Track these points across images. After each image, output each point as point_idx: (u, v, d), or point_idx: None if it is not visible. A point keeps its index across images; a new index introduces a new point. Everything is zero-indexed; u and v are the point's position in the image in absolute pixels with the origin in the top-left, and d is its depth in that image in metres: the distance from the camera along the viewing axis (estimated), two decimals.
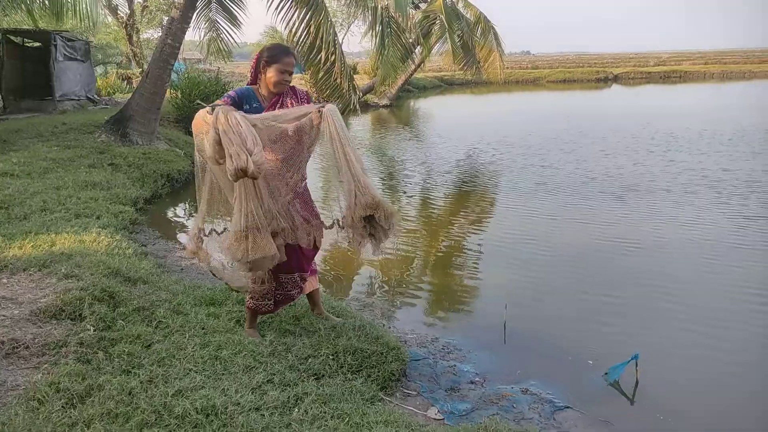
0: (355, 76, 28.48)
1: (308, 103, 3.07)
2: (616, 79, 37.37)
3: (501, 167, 9.70)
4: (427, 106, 25.09)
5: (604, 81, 36.56)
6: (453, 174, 9.42)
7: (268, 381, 2.66)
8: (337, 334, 3.17)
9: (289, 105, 2.99)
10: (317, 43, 7.69)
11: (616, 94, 28.83)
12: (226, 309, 3.48)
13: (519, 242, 5.74)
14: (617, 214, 6.54)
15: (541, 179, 8.45)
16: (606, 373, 3.23)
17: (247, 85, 3.07)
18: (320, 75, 8.09)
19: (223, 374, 2.68)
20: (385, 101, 21.98)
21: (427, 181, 8.94)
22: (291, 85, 3.06)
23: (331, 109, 2.80)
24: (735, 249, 5.32)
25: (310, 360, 2.90)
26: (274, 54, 2.92)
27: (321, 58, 7.85)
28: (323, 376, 2.80)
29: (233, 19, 10.27)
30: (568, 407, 2.91)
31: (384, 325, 3.74)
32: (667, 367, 3.40)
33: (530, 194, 7.61)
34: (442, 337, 3.66)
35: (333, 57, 7.86)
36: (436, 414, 2.74)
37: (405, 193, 8.19)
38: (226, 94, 2.98)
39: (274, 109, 2.94)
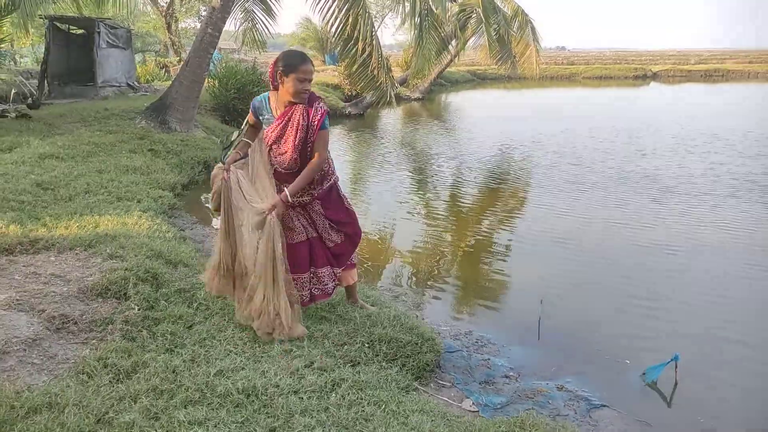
0: None
1: (321, 122, 2.85)
2: (654, 76, 36.39)
3: (533, 164, 9.58)
4: (459, 100, 24.90)
5: (642, 78, 35.64)
6: (484, 170, 9.34)
7: (306, 366, 2.70)
8: (372, 322, 3.20)
9: (298, 120, 2.83)
10: (354, 34, 7.70)
11: (655, 92, 28.07)
12: None
13: (550, 240, 5.66)
14: (654, 215, 6.38)
15: (575, 178, 8.31)
16: (644, 374, 3.18)
17: (272, 89, 2.96)
18: (355, 67, 8.11)
19: (262, 357, 2.73)
20: (417, 94, 21.90)
21: (457, 176, 8.89)
22: (316, 94, 2.93)
23: (272, 221, 2.79)
24: None
25: (346, 347, 2.93)
26: (290, 63, 2.79)
27: (357, 50, 7.85)
28: (359, 363, 2.83)
29: (269, 10, 10.36)
30: (604, 406, 2.88)
31: (417, 316, 3.75)
32: (705, 370, 3.32)
33: (563, 192, 7.50)
34: (476, 331, 3.65)
35: (370, 48, 7.86)
36: (470, 406, 2.75)
37: (435, 187, 8.17)
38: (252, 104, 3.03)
39: (284, 119, 2.85)
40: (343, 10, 7.80)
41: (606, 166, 9.05)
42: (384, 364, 2.87)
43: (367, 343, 2.98)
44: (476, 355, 3.32)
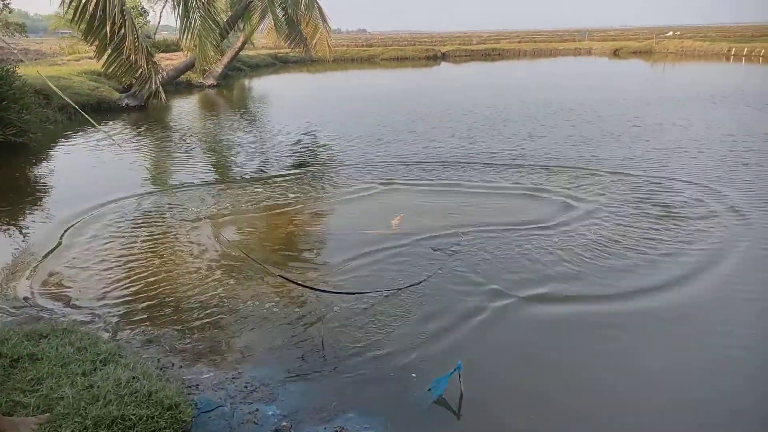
0: (177, 54, 25.55)
1: None
2: (444, 56, 39.12)
3: (336, 161, 9.25)
4: (260, 85, 23.73)
5: (433, 59, 38.02)
6: (286, 161, 8.74)
7: None
8: (91, 398, 2.39)
9: None
10: (98, 13, 6.37)
11: (445, 72, 30.04)
12: None
13: (335, 246, 5.30)
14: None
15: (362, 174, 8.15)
16: (429, 389, 2.89)
17: None
18: (109, 51, 6.77)
19: None
20: (210, 81, 20.27)
21: (259, 170, 8.15)
22: None
23: None
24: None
25: None
26: None
27: (106, 32, 6.53)
28: None
29: None
30: None
31: (170, 367, 3.00)
32: (489, 373, 3.14)
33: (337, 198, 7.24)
34: (247, 372, 3.04)
35: (122, 30, 6.60)
36: None
37: (242, 182, 7.33)
38: None
39: None
40: None
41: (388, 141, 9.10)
42: None
43: None
44: (242, 407, 2.71)
